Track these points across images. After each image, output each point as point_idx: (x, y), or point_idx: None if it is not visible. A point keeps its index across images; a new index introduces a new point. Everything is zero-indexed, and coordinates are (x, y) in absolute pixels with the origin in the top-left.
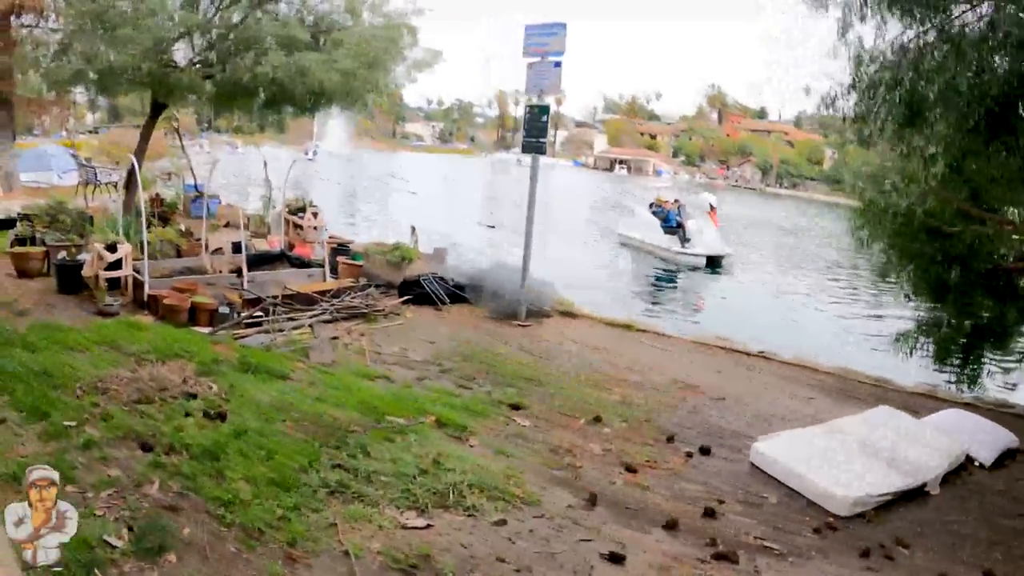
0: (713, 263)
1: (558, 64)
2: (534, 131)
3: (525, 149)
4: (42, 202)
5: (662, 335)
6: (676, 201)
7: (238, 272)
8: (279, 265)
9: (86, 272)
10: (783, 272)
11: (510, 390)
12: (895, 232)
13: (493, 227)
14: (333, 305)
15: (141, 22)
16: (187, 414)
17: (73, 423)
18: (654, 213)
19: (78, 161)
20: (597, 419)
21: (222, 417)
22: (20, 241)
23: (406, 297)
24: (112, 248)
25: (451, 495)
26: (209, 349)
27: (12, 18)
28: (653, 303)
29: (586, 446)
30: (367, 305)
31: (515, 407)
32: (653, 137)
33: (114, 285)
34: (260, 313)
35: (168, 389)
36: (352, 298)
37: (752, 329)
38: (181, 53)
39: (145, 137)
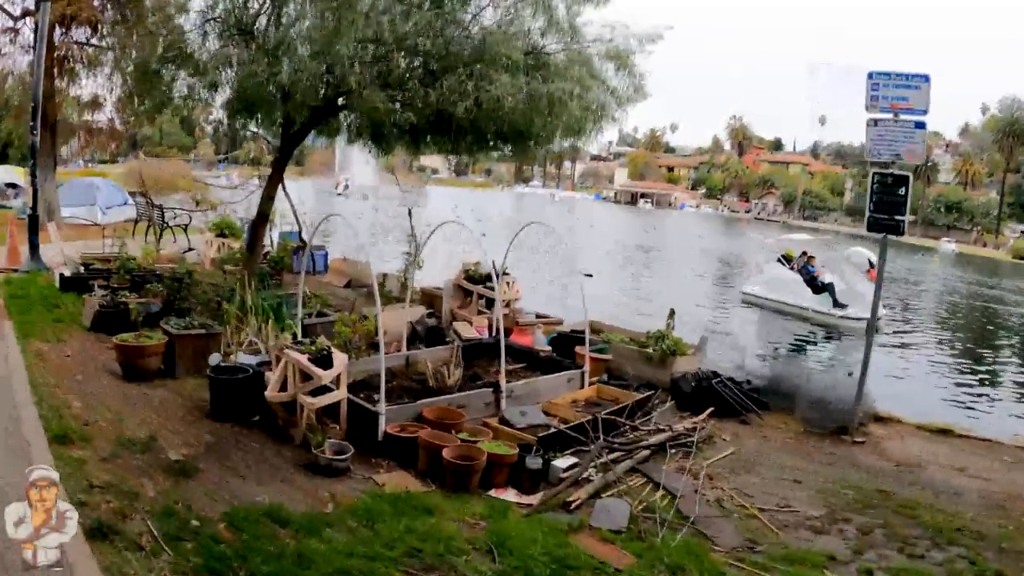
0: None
1: (921, 125)
2: (888, 206)
3: (872, 227)
4: (105, 248)
5: (994, 442)
6: (805, 254)
7: (472, 381)
8: (498, 363)
9: (276, 395)
10: (934, 330)
11: (976, 557)
12: None
13: (591, 275)
14: (644, 432)
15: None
16: None
17: None
18: (800, 272)
19: (136, 197)
20: None
21: None
22: (109, 316)
23: (709, 410)
24: (324, 359)
25: None
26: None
27: (60, 32)
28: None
29: None
30: (668, 426)
31: None
32: (671, 170)
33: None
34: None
35: None
36: (643, 418)
37: None
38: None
39: (275, 182)
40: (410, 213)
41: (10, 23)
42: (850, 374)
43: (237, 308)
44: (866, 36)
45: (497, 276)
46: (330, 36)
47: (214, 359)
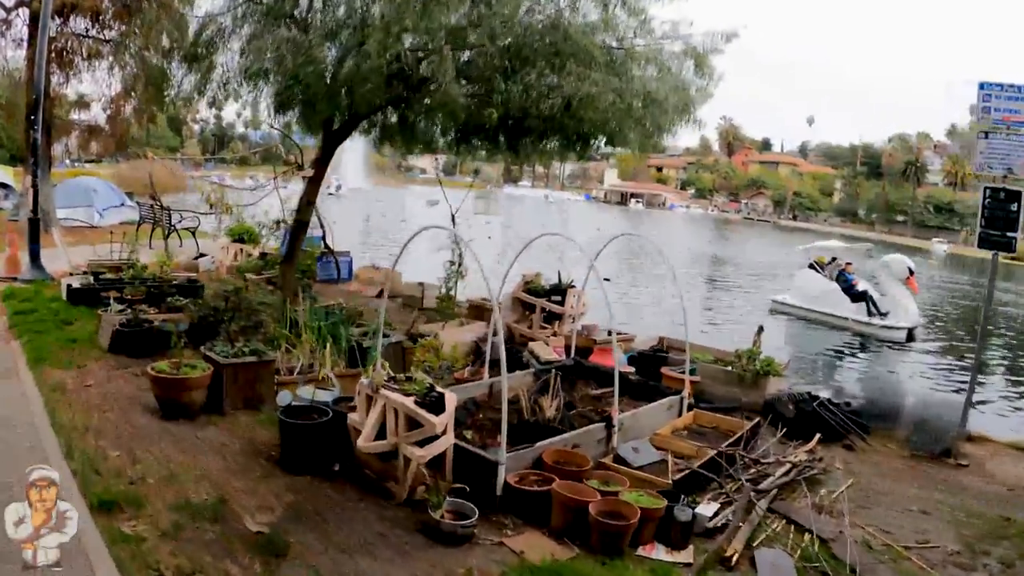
0: (910, 336)
1: None
2: (1000, 222)
3: (984, 243)
4: (111, 254)
5: None
6: (835, 260)
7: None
8: (584, 386)
9: (372, 446)
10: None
11: None
12: None
13: (608, 280)
14: (766, 465)
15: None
16: None
17: None
18: (837, 280)
19: (132, 199)
20: None
21: None
22: (131, 336)
23: (817, 437)
24: (434, 403)
25: None
26: None
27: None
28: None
29: None
30: (782, 456)
31: None
32: (659, 170)
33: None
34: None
35: None
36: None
37: None
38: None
39: (316, 185)
40: (453, 219)
41: (2, 14)
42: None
43: (283, 327)
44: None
45: (560, 291)
46: (416, 18)
47: (284, 398)
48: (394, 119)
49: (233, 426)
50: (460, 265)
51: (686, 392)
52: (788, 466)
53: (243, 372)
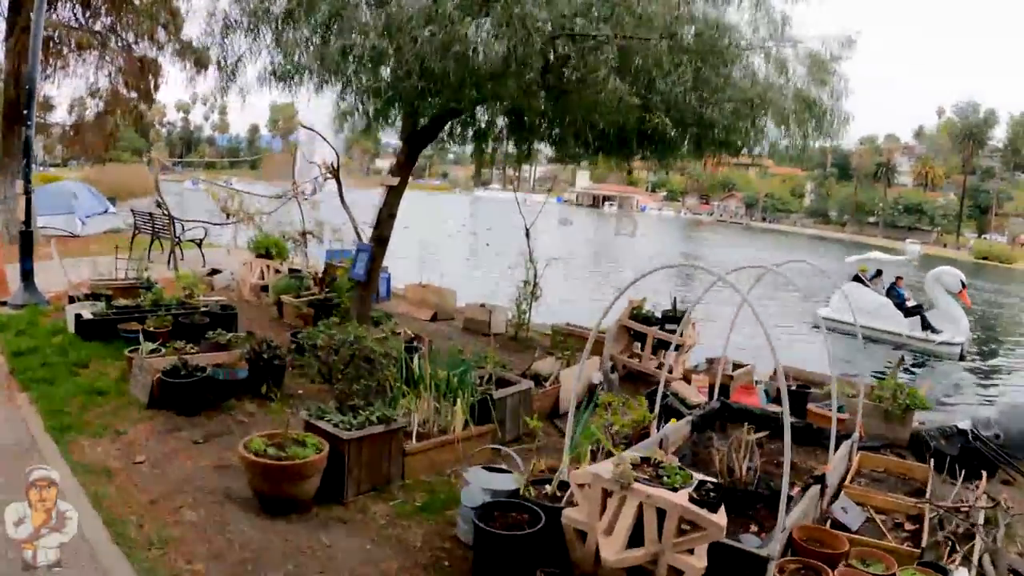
0: (961, 354)
1: None
2: None
3: None
4: (116, 271)
5: None
6: (880, 274)
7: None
8: (734, 428)
9: (625, 557)
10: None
11: None
12: None
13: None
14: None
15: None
16: None
17: None
18: (889, 294)
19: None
20: None
21: None
22: (183, 387)
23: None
24: (712, 501)
25: None
26: None
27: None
28: None
29: None
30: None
31: None
32: (629, 172)
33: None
34: None
35: None
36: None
37: None
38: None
39: (398, 195)
40: (527, 233)
41: None
42: None
43: (400, 377)
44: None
45: (674, 318)
46: None
47: (474, 498)
48: (501, 120)
49: (366, 523)
50: (535, 285)
51: (857, 435)
52: (981, 512)
53: (369, 446)
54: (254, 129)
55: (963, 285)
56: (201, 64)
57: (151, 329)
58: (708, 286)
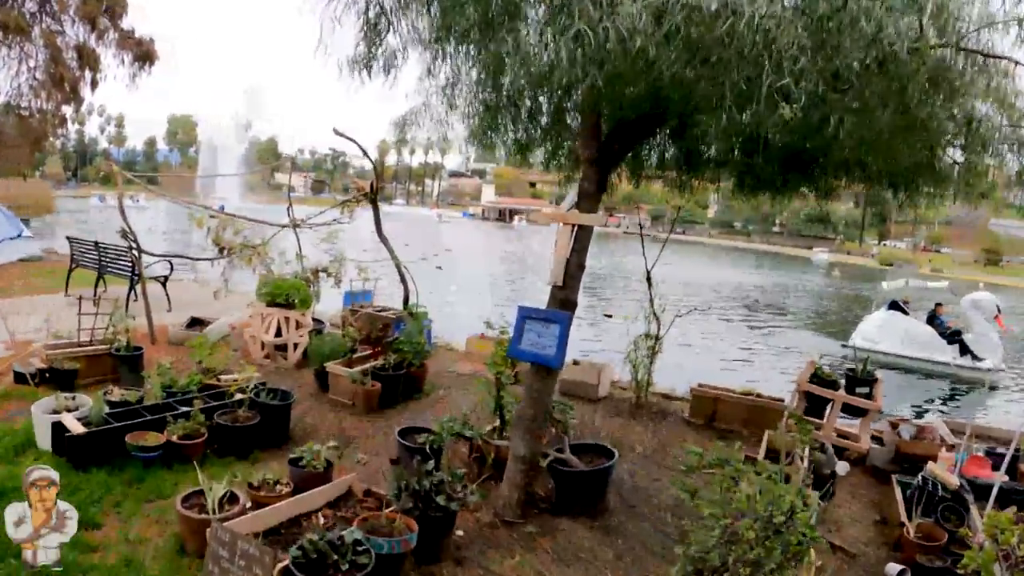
0: None
1: None
2: None
3: None
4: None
5: None
6: (907, 300)
7: None
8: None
9: None
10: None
11: None
12: None
13: (611, 316)
14: None
15: None
16: None
17: None
18: (931, 321)
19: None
20: None
21: None
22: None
23: None
24: None
25: None
26: None
27: None
28: None
29: None
30: None
31: None
32: (533, 185)
33: None
34: None
35: None
36: None
37: None
38: None
39: (589, 230)
40: (648, 278)
41: None
42: None
43: None
44: None
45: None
46: None
47: None
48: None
49: None
50: (658, 339)
51: None
52: None
53: None
54: (151, 142)
55: (998, 310)
56: (147, 59)
57: (176, 440)
58: None
